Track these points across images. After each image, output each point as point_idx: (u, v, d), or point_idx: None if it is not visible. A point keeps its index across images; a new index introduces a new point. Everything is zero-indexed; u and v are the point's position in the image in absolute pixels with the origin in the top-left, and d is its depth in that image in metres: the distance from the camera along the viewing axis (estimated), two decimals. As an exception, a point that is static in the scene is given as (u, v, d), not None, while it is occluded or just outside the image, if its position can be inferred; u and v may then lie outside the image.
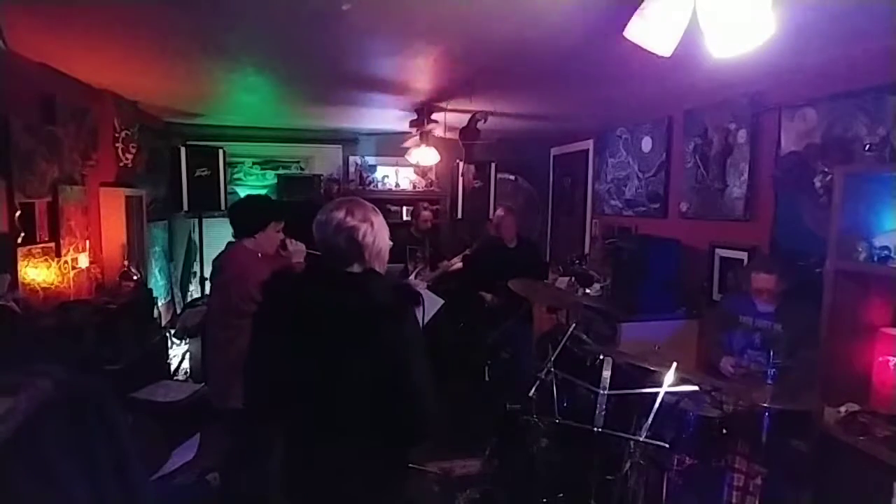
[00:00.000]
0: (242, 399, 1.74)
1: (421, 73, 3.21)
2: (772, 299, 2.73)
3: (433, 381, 1.54)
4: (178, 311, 4.90)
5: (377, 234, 1.58)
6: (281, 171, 5.85)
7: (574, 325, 3.07)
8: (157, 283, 4.81)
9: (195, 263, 5.09)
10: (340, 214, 1.55)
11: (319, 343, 1.51)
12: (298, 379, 1.54)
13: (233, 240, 2.64)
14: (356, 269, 1.57)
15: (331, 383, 1.50)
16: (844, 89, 2.76)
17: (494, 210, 5.32)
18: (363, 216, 1.56)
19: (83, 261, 3.36)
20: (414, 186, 6.08)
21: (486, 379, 4.37)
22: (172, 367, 4.18)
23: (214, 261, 2.65)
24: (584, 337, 3.30)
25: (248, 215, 2.61)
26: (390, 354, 1.46)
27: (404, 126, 4.53)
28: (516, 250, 4.43)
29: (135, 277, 3.79)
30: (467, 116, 4.28)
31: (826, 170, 2.84)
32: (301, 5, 2.14)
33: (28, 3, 2.17)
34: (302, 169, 6.00)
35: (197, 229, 4.79)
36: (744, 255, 3.42)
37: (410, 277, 4.20)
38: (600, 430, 2.41)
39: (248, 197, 2.91)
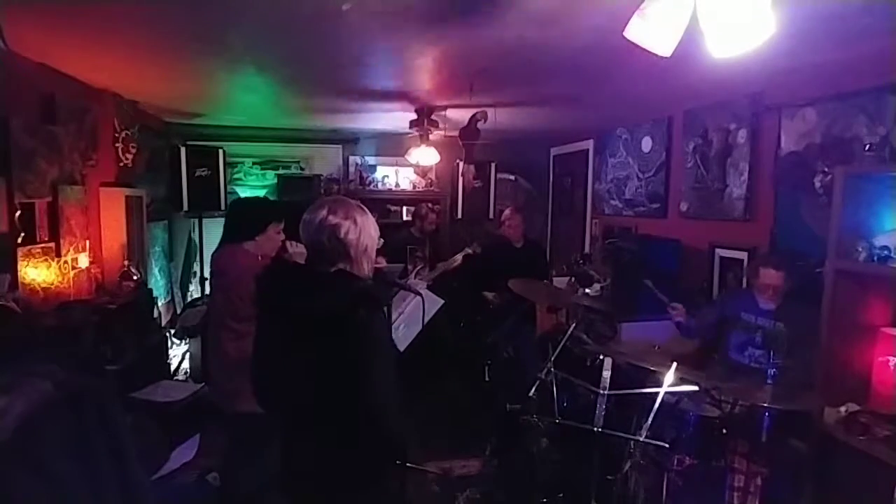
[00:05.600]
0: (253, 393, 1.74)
1: (421, 73, 3.21)
2: (776, 296, 2.73)
3: (394, 391, 1.50)
4: (178, 311, 4.90)
5: (362, 231, 1.57)
6: (281, 171, 5.86)
7: (574, 325, 3.07)
8: (157, 283, 4.81)
9: (195, 263, 5.09)
10: (323, 213, 1.55)
11: (291, 341, 1.52)
12: (283, 375, 1.55)
13: (228, 241, 2.62)
14: (342, 266, 1.57)
15: (304, 383, 1.51)
16: (844, 89, 2.76)
17: (494, 210, 5.32)
18: (346, 214, 1.56)
19: (83, 261, 3.36)
20: (414, 186, 6.08)
21: (486, 379, 4.37)
22: (172, 367, 4.18)
23: (213, 261, 2.64)
24: (584, 337, 3.30)
25: (247, 218, 2.59)
26: (344, 357, 1.45)
27: (404, 126, 4.53)
28: (523, 250, 4.42)
29: (135, 277, 3.79)
30: (467, 116, 4.27)
31: (826, 170, 2.84)
32: (301, 5, 2.14)
33: (28, 3, 2.17)
34: (302, 169, 6.00)
35: (197, 229, 4.79)
36: (744, 255, 3.43)
37: (411, 277, 4.20)
38: (600, 430, 2.41)
39: (246, 199, 2.90)
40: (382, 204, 5.75)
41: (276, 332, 1.58)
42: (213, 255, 2.63)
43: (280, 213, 2.63)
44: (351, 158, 6.01)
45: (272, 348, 1.59)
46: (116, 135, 3.98)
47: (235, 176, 5.78)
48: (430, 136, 4.45)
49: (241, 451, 2.49)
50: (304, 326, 1.50)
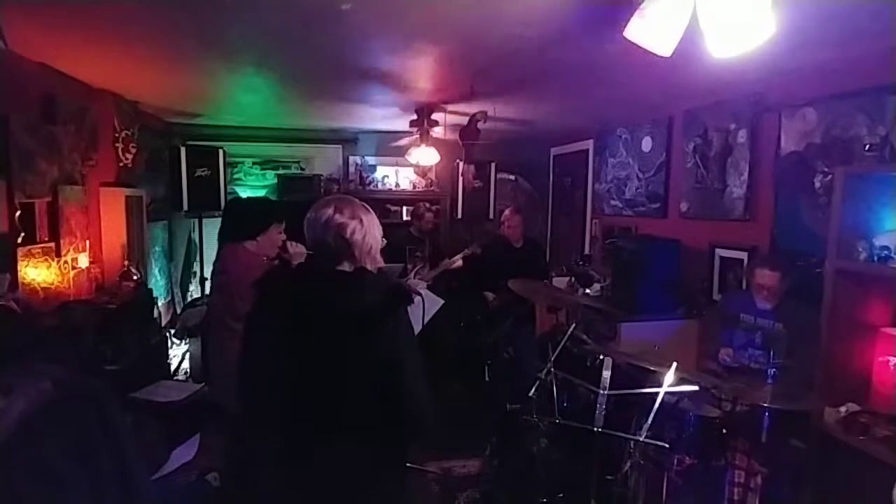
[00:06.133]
0: (237, 398, 1.73)
1: (421, 73, 3.21)
2: (772, 296, 2.73)
3: (427, 381, 1.54)
4: (178, 311, 4.90)
5: (367, 231, 1.57)
6: (281, 171, 5.86)
7: (574, 325, 3.07)
8: (157, 283, 4.81)
9: (195, 263, 5.09)
10: (329, 212, 1.54)
11: (311, 342, 1.51)
12: (291, 378, 1.54)
13: (229, 241, 2.61)
14: (346, 267, 1.57)
15: (323, 383, 1.51)
16: (844, 89, 2.76)
17: (494, 210, 5.33)
18: (352, 213, 1.56)
19: (83, 261, 3.36)
20: (414, 186, 6.08)
21: (486, 379, 4.37)
22: (172, 367, 4.18)
23: (215, 262, 2.64)
24: (584, 337, 3.29)
25: (249, 218, 2.59)
26: (381, 353, 1.47)
27: (404, 126, 4.53)
28: (522, 250, 4.42)
29: (135, 277, 3.79)
30: (467, 116, 4.28)
31: (826, 170, 2.84)
32: (301, 5, 2.14)
33: (28, 3, 2.17)
34: (302, 169, 6.00)
35: (197, 229, 4.79)
36: (744, 255, 3.42)
37: (410, 277, 4.20)
38: (600, 430, 2.41)
39: (248, 199, 2.89)
40: (382, 204, 5.75)
41: (281, 333, 1.56)
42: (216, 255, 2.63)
43: (282, 213, 2.62)
44: (351, 158, 6.01)
45: (274, 350, 1.57)
46: (116, 135, 3.98)
47: (235, 176, 5.77)
48: (430, 136, 4.45)
49: (242, 451, 2.49)
50: (339, 325, 1.49)
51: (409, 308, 2.05)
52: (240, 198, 4.88)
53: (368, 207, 1.63)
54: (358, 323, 1.47)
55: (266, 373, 1.59)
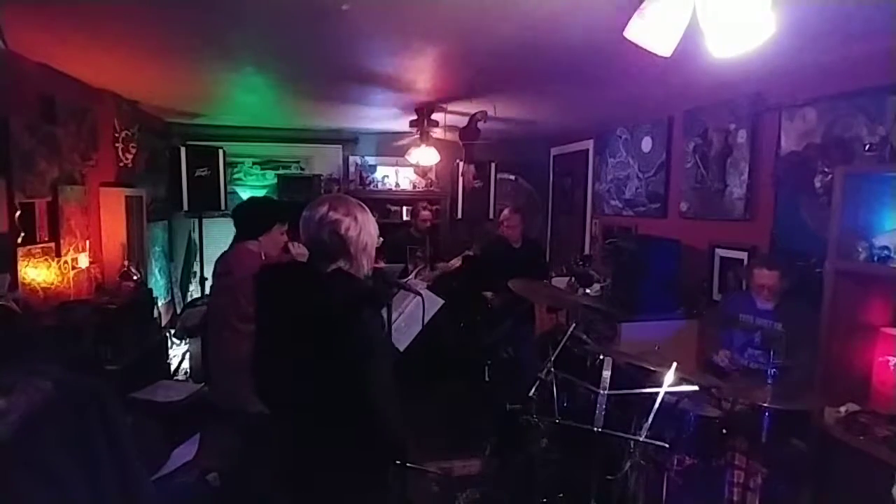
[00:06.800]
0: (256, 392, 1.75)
1: (421, 73, 3.21)
2: (772, 296, 2.73)
3: (393, 391, 1.50)
4: (178, 311, 4.90)
5: (362, 228, 1.57)
6: (281, 171, 5.85)
7: (574, 325, 3.07)
8: (157, 283, 4.81)
9: (195, 263, 5.08)
10: (324, 209, 1.55)
11: (290, 341, 1.53)
12: (278, 374, 1.56)
13: (235, 240, 2.63)
14: (341, 264, 1.57)
15: (301, 382, 1.51)
16: (844, 89, 2.76)
17: (495, 210, 5.32)
18: (346, 210, 1.56)
19: (83, 261, 3.36)
20: (414, 186, 6.08)
21: (486, 379, 4.37)
22: (172, 367, 4.18)
23: (217, 261, 2.65)
24: (584, 337, 3.29)
25: (253, 217, 2.60)
26: (344, 359, 1.45)
27: (404, 126, 4.53)
28: (521, 250, 4.43)
29: (135, 277, 3.79)
30: (467, 116, 4.27)
31: (826, 170, 2.85)
32: (301, 5, 2.14)
33: (28, 3, 2.17)
34: (302, 169, 6.00)
35: (197, 229, 4.78)
36: (744, 255, 3.43)
37: (410, 277, 4.20)
38: (600, 430, 2.41)
39: (253, 199, 2.91)
40: (382, 204, 5.75)
41: (274, 330, 1.58)
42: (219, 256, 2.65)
43: (286, 214, 2.63)
44: (351, 158, 6.01)
45: (271, 346, 1.59)
46: (116, 135, 3.98)
47: (235, 176, 5.77)
48: (430, 136, 4.45)
49: (244, 451, 2.49)
50: (303, 325, 1.50)
51: (408, 308, 2.05)
52: (245, 200, 4.88)
53: (364, 206, 1.63)
54: (325, 326, 1.45)
55: (264, 367, 1.61)
